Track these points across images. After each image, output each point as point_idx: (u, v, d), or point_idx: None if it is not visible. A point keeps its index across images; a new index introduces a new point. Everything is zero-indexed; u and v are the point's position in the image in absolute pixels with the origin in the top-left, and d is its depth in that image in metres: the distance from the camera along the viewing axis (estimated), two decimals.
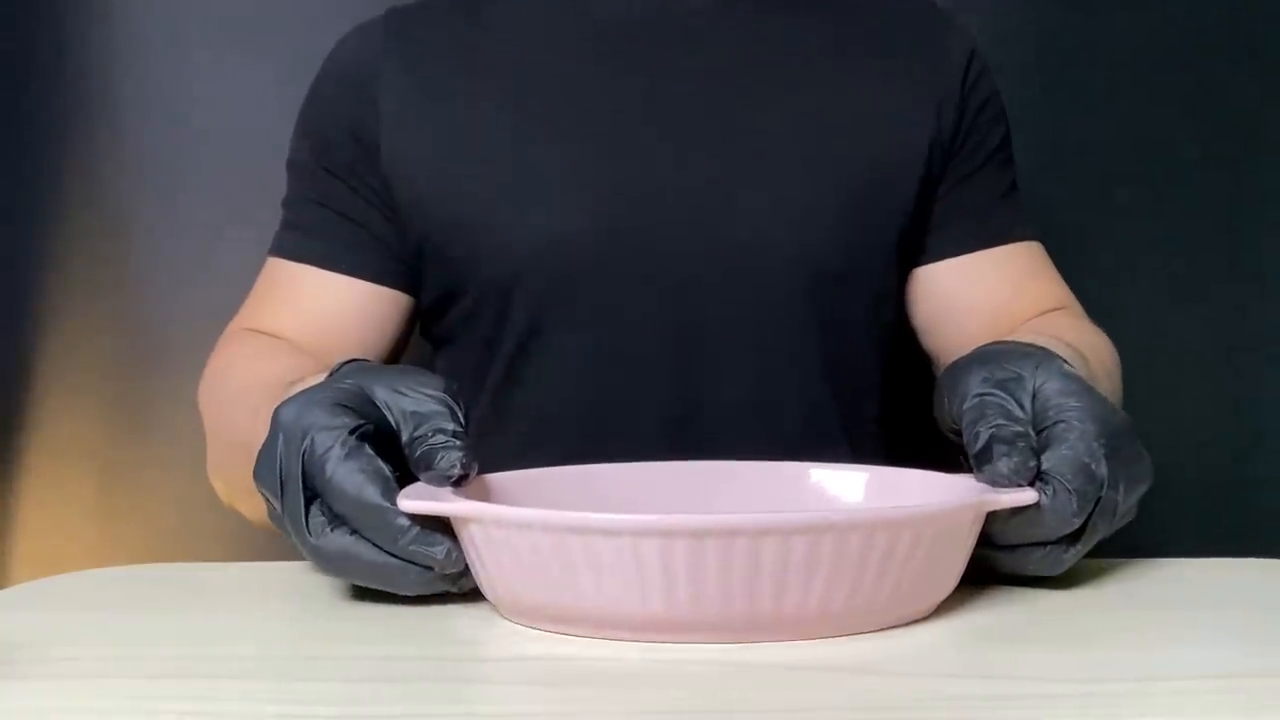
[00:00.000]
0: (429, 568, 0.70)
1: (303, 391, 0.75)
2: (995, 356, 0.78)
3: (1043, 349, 0.79)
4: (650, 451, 0.89)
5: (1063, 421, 0.73)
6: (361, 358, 0.86)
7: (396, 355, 1.12)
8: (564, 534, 0.65)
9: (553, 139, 1.06)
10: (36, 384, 1.45)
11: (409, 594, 0.72)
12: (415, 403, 0.74)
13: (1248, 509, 1.48)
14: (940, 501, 0.71)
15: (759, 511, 0.66)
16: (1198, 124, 1.46)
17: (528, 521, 0.66)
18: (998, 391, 0.75)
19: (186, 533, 1.44)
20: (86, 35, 1.44)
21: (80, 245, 1.44)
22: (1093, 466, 0.72)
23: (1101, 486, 0.73)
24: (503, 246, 1.05)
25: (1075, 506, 0.72)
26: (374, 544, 0.71)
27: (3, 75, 1.44)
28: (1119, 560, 0.80)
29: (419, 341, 1.15)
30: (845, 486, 0.82)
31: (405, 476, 0.73)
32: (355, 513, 0.71)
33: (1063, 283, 1.14)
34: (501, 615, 0.71)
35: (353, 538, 0.71)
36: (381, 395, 0.74)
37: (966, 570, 0.71)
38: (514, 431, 1.07)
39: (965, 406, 0.75)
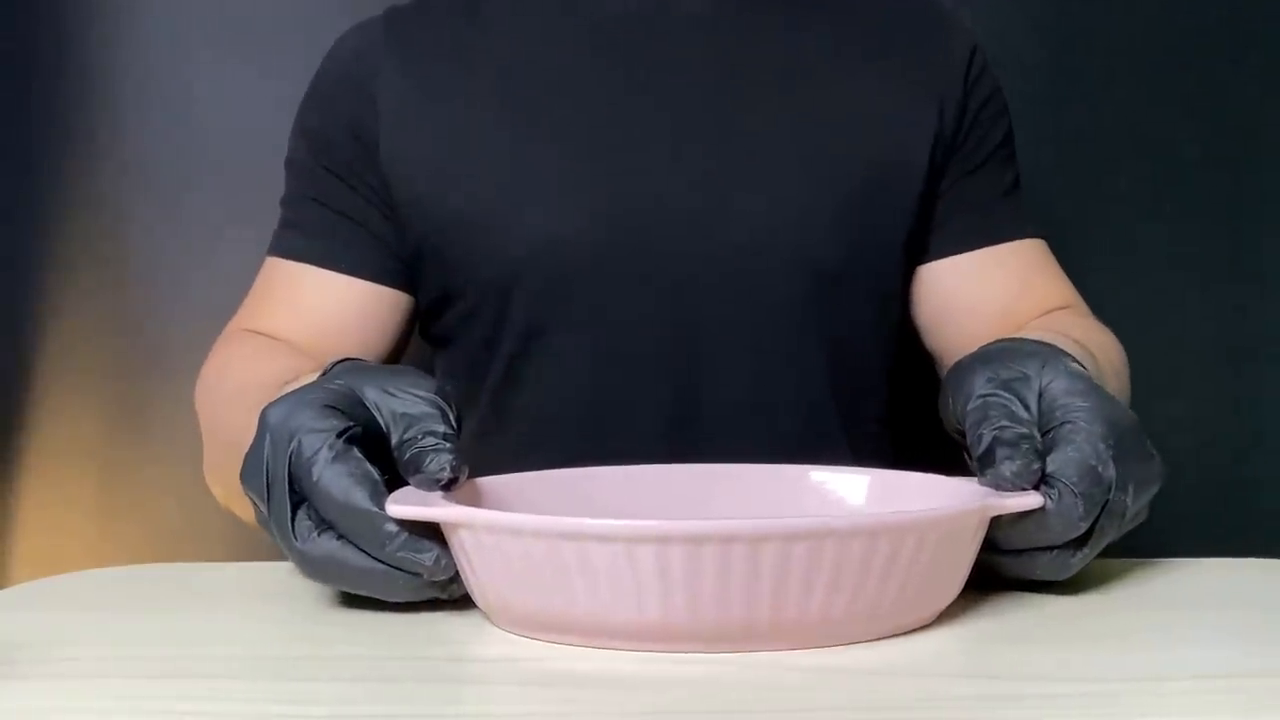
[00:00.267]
0: (417, 574, 0.69)
1: (291, 392, 0.74)
2: (1000, 355, 0.76)
3: (1050, 346, 0.77)
4: (649, 452, 0.89)
5: (1069, 422, 0.72)
6: (357, 357, 0.84)
7: (397, 355, 1.12)
8: (557, 540, 0.63)
9: (551, 139, 1.06)
10: (36, 384, 1.45)
11: (397, 601, 0.71)
12: (405, 404, 0.72)
13: (1248, 509, 1.48)
14: (943, 506, 0.69)
15: (758, 516, 0.65)
16: (1198, 124, 1.47)
17: (519, 527, 0.64)
18: (1002, 392, 0.73)
19: (186, 533, 1.44)
20: (86, 35, 1.44)
21: (80, 245, 1.44)
22: (1099, 469, 0.71)
23: (1109, 489, 0.71)
24: (501, 247, 1.05)
25: (1081, 510, 0.70)
26: (361, 549, 0.69)
27: (3, 75, 1.44)
28: (1120, 560, 0.80)
29: (419, 341, 1.15)
30: (846, 490, 0.80)
31: (395, 480, 0.71)
32: (342, 517, 0.69)
33: (1067, 280, 1.14)
34: (493, 623, 0.69)
35: (339, 543, 0.69)
36: (371, 396, 0.73)
37: (970, 575, 0.70)
38: (513, 432, 1.07)
39: (969, 407, 0.74)
